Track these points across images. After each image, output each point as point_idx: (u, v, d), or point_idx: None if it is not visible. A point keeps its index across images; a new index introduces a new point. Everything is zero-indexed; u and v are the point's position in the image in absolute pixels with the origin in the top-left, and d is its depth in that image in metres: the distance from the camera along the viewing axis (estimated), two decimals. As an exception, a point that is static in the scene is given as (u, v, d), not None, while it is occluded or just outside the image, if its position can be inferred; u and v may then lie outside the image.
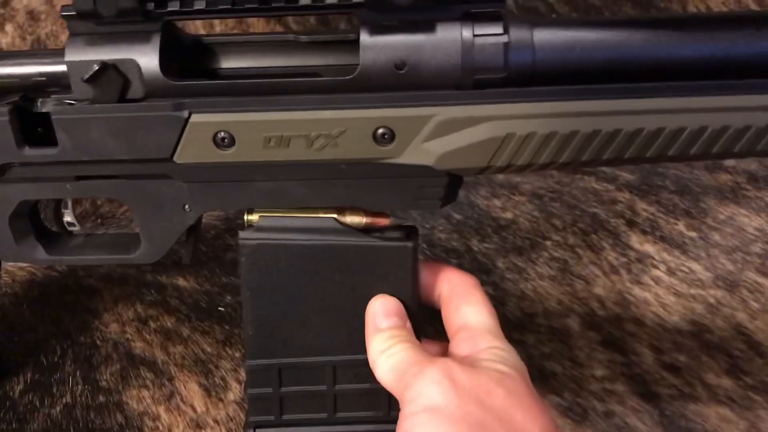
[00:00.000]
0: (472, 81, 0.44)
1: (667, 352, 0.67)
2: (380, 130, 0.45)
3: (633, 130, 0.43)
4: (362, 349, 0.47)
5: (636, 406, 0.62)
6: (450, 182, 0.47)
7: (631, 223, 0.83)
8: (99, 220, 0.81)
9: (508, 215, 0.83)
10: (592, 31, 0.43)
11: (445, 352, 0.49)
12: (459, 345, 0.47)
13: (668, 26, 0.43)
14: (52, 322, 0.67)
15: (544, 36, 0.43)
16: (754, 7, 1.07)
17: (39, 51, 0.48)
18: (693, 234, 0.82)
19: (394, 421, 0.43)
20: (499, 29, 0.43)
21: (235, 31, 0.83)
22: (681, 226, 0.83)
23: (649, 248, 0.79)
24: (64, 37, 0.89)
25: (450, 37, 0.43)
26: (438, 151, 0.45)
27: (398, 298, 0.48)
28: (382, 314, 0.47)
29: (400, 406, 0.43)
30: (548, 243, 0.79)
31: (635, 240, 0.80)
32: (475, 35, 0.43)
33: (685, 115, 0.43)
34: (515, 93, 0.44)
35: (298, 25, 0.84)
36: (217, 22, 0.80)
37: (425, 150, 0.45)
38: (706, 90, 0.43)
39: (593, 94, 0.43)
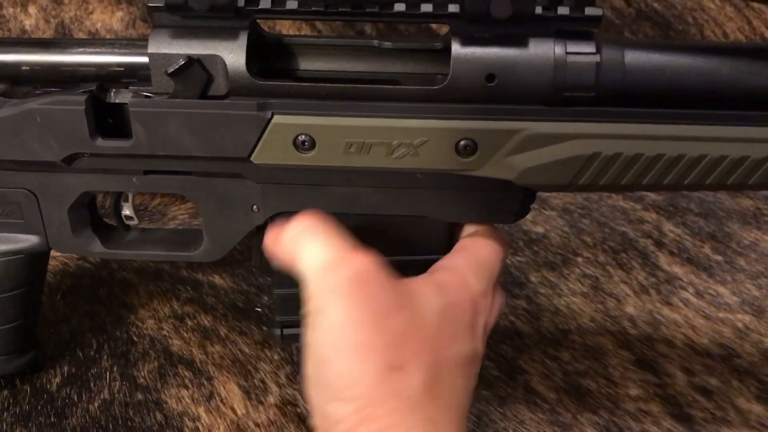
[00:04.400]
0: (561, 98, 0.44)
1: (699, 375, 0.68)
2: (463, 142, 0.44)
3: (717, 157, 0.44)
4: (390, 250, 0.45)
5: (670, 427, 0.62)
6: (526, 197, 0.47)
7: (659, 244, 0.83)
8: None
9: (539, 229, 0.84)
10: (683, 55, 0.43)
11: None
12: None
13: (759, 55, 0.44)
14: (86, 315, 0.65)
15: (635, 58, 0.43)
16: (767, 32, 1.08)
17: (118, 40, 0.47)
18: (719, 257, 0.83)
19: None
20: (591, 48, 0.43)
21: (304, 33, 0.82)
22: (707, 249, 0.84)
23: (677, 270, 0.80)
24: (88, 22, 0.88)
25: (543, 54, 0.43)
26: (521, 166, 0.45)
27: None
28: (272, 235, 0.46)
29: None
30: (579, 259, 0.80)
31: (664, 261, 0.81)
32: (567, 53, 0.43)
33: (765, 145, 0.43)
34: (604, 113, 0.44)
35: (371, 29, 0.83)
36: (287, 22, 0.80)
37: (507, 164, 0.45)
38: None
39: (682, 119, 0.43)
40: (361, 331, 0.38)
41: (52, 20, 0.88)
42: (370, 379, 0.38)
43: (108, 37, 0.89)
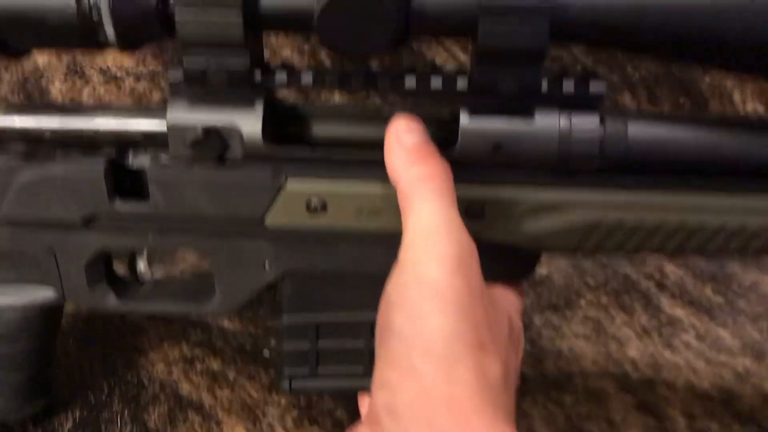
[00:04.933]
0: (566, 168, 0.45)
1: (699, 419, 0.69)
2: (472, 207, 0.46)
3: (717, 226, 0.45)
4: None
5: (672, 472, 0.63)
6: (532, 259, 0.49)
7: (661, 286, 0.84)
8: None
9: (543, 270, 0.85)
10: (685, 128, 0.45)
11: None
12: None
13: (760, 128, 0.45)
14: (98, 359, 0.67)
15: (638, 130, 0.45)
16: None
17: (137, 107, 0.49)
18: (720, 299, 0.84)
19: None
20: (595, 121, 0.44)
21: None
22: (708, 291, 0.85)
23: (679, 312, 0.81)
24: (100, 59, 0.89)
25: (548, 126, 0.44)
26: (527, 231, 0.46)
27: None
28: (405, 130, 0.44)
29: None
30: (582, 301, 0.81)
31: (665, 303, 0.82)
32: (572, 126, 0.44)
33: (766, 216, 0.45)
34: (607, 182, 0.45)
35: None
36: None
37: (515, 229, 0.46)
38: None
39: (683, 189, 0.45)
40: (460, 301, 0.38)
41: (64, 57, 0.89)
42: (463, 344, 0.37)
43: (119, 73, 0.90)
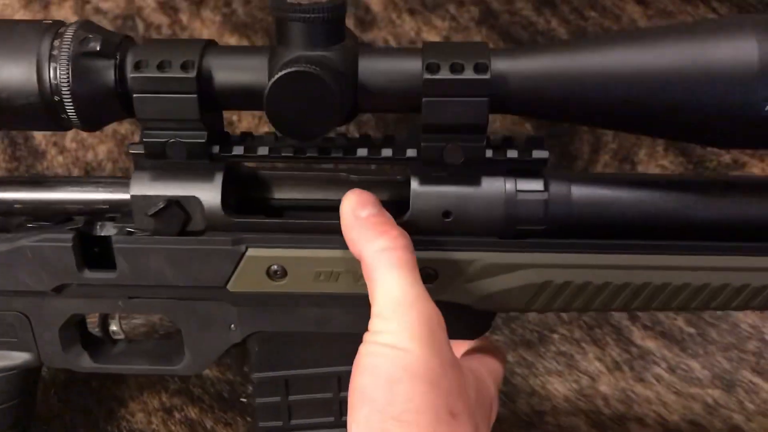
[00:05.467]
0: (514, 230, 0.47)
1: (669, 454, 0.71)
2: (425, 270, 0.48)
3: (660, 284, 0.47)
4: None
5: None
6: (485, 317, 0.50)
7: (633, 318, 0.86)
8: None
9: (517, 306, 0.86)
10: (627, 189, 0.47)
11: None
12: None
13: (699, 189, 0.47)
14: (79, 411, 0.68)
15: (581, 192, 0.47)
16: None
17: (102, 179, 0.51)
18: (691, 330, 0.86)
19: None
20: (540, 186, 0.46)
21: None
22: (680, 322, 0.86)
23: (650, 344, 0.83)
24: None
25: (494, 191, 0.46)
26: (478, 293, 0.48)
27: None
28: (359, 205, 0.45)
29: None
30: (555, 336, 0.83)
31: (637, 335, 0.84)
32: (518, 190, 0.46)
33: (708, 273, 0.47)
34: (553, 244, 0.47)
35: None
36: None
37: (466, 290, 0.48)
38: (726, 251, 0.47)
39: (626, 250, 0.47)
40: (431, 372, 0.40)
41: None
42: (434, 414, 0.39)
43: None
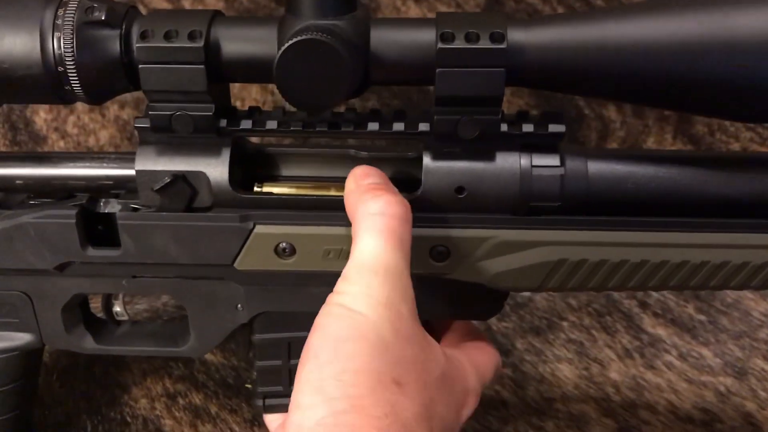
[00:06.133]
0: (528, 207, 0.46)
1: (681, 442, 0.70)
2: (436, 248, 0.47)
3: (679, 262, 0.46)
4: None
5: (653, 497, 0.64)
6: (498, 297, 0.49)
7: (643, 305, 0.85)
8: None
9: (525, 293, 0.85)
10: (644, 165, 0.46)
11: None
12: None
13: (716, 164, 0.46)
14: (81, 396, 0.67)
15: (598, 168, 0.46)
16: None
17: (106, 154, 0.50)
18: (702, 317, 0.85)
19: None
20: (556, 161, 0.45)
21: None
22: (691, 309, 0.85)
23: (661, 332, 0.82)
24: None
25: (509, 167, 0.45)
26: (491, 271, 0.47)
27: None
28: (362, 175, 0.45)
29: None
30: (565, 324, 0.82)
31: (648, 323, 0.83)
32: (533, 166, 0.45)
33: (726, 251, 0.45)
34: (569, 221, 0.46)
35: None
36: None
37: (479, 269, 0.47)
38: (745, 228, 0.45)
39: (643, 226, 0.46)
40: (381, 339, 0.39)
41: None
42: (376, 377, 0.38)
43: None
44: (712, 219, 0.46)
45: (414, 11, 0.95)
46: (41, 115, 0.89)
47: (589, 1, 0.98)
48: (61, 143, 0.89)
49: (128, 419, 0.66)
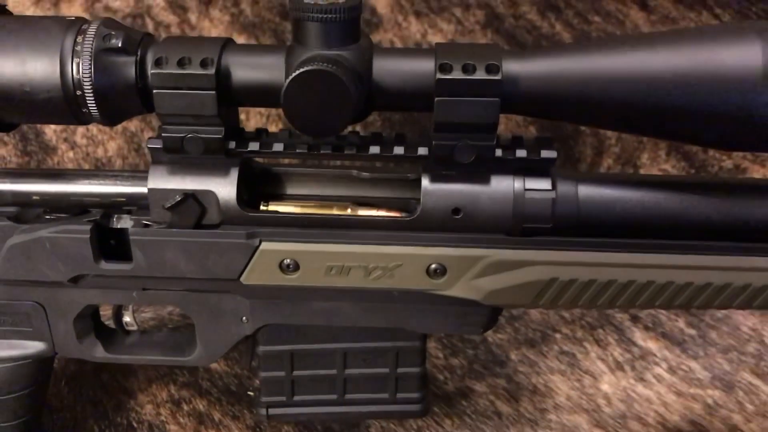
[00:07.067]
0: (521, 228, 0.48)
1: (669, 454, 0.72)
2: (433, 266, 0.49)
3: (664, 282, 0.48)
4: (371, 337, 0.52)
5: (641, 507, 0.66)
6: (492, 312, 0.51)
7: (635, 318, 0.87)
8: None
9: (520, 306, 0.87)
10: (632, 190, 0.48)
11: None
12: None
13: (702, 190, 0.48)
14: (89, 402, 0.69)
15: (588, 192, 0.48)
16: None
17: (119, 172, 0.52)
18: (692, 331, 0.87)
19: (400, 402, 0.51)
20: (547, 185, 0.47)
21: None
22: (681, 323, 0.88)
23: (651, 345, 0.84)
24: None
25: (503, 190, 0.48)
26: (486, 288, 0.49)
27: None
28: None
29: None
30: (558, 336, 0.84)
31: (639, 336, 0.85)
32: (526, 189, 0.47)
33: (710, 272, 0.48)
34: (560, 242, 0.48)
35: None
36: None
37: (474, 286, 0.49)
38: (728, 251, 0.48)
39: (631, 248, 0.48)
40: None
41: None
42: None
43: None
44: (695, 242, 0.48)
45: (415, 27, 0.97)
46: (51, 127, 0.91)
47: (586, 18, 1.01)
48: (71, 153, 0.91)
49: (134, 424, 0.68)
